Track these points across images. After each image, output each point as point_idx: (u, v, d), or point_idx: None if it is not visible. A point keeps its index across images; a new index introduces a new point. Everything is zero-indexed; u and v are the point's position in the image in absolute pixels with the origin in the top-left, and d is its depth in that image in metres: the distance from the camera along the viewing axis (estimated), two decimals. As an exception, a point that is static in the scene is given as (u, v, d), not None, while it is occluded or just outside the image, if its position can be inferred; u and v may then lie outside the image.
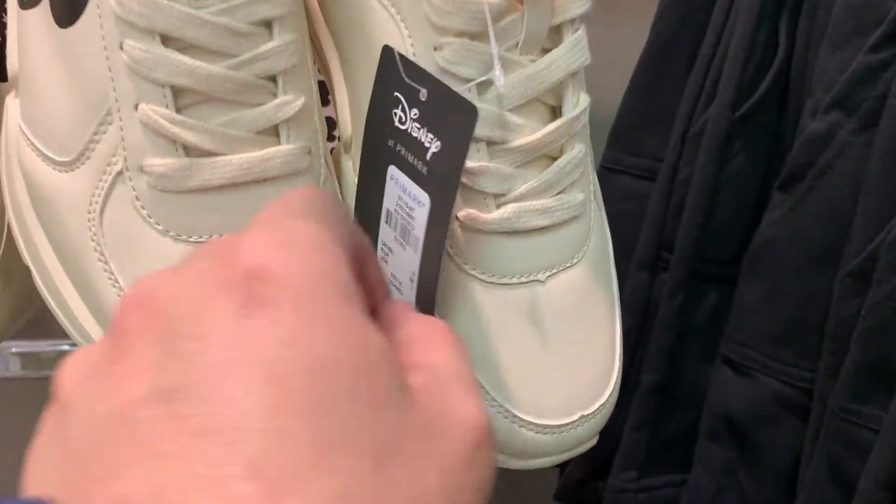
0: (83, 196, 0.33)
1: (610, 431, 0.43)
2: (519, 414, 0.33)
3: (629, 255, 0.51)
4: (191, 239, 0.32)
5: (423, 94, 0.29)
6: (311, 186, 0.22)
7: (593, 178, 0.37)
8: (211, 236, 0.32)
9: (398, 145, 0.30)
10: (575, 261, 0.35)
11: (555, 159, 0.34)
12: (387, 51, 0.31)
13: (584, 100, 0.34)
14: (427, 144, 0.29)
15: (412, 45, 0.32)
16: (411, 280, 0.31)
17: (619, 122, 0.53)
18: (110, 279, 0.33)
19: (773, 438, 0.48)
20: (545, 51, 0.33)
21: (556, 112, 0.34)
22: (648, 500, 0.52)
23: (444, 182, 0.29)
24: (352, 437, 0.16)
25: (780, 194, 0.47)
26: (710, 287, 0.51)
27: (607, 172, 0.53)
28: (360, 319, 0.18)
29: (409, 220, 0.31)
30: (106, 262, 0.33)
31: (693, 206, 0.49)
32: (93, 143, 0.32)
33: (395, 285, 0.32)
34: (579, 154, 0.34)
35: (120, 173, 0.32)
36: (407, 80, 0.30)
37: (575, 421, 0.33)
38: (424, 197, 0.30)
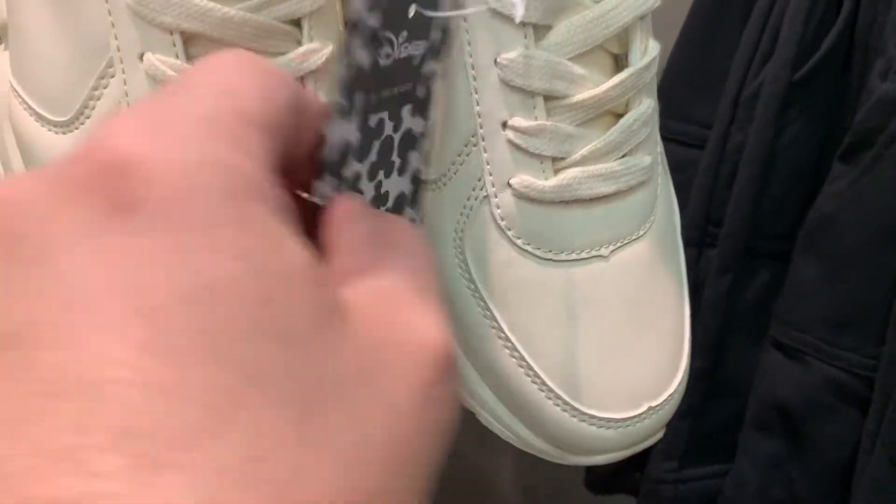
0: None
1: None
2: (579, 406, 0.29)
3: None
4: None
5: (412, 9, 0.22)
6: (236, 52, 0.16)
7: (658, 139, 0.33)
8: None
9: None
10: (641, 232, 0.31)
11: (620, 116, 0.30)
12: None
13: (653, 47, 0.30)
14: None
15: None
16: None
17: (664, 84, 0.48)
18: None
19: (826, 429, 0.45)
20: (611, -11, 0.29)
21: (619, 61, 0.30)
22: (688, 493, 0.49)
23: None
24: (261, 385, 0.12)
25: (842, 164, 0.44)
26: (762, 265, 0.47)
27: (651, 139, 0.49)
28: (270, 225, 0.14)
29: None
30: None
31: (745, 176, 0.46)
32: (92, 99, 0.29)
33: None
34: (647, 110, 0.30)
35: None
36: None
37: (642, 413, 0.30)
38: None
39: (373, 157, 0.21)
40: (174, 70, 0.27)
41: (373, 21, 0.21)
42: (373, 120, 0.22)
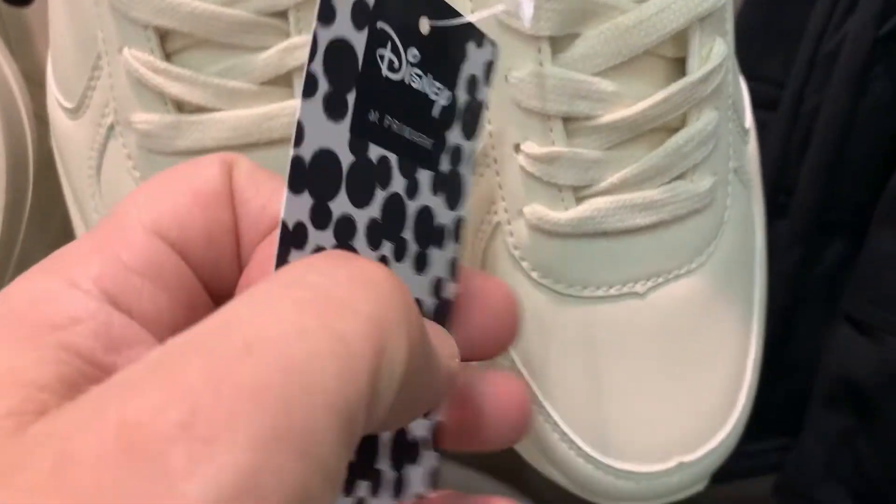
0: (85, 147, 0.29)
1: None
2: (597, 455, 0.26)
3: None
4: None
5: (425, 23, 0.18)
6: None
7: (735, 151, 0.28)
8: None
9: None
10: (693, 266, 0.27)
11: (674, 132, 0.25)
12: None
13: (718, 51, 0.25)
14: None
15: None
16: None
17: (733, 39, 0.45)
18: None
19: None
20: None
21: (678, 65, 0.25)
22: (750, 468, 0.47)
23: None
24: None
25: None
26: (835, 237, 0.43)
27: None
28: None
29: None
30: None
31: (821, 141, 0.41)
32: (89, 90, 0.28)
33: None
34: (709, 126, 0.25)
35: (112, 127, 0.28)
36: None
37: (671, 468, 0.26)
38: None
39: (371, 210, 0.17)
40: (149, 68, 0.25)
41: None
42: (372, 151, 0.17)
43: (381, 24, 0.17)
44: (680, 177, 0.26)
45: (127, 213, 0.16)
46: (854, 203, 0.43)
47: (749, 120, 0.31)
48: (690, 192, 0.26)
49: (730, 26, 0.27)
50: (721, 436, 0.27)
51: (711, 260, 0.27)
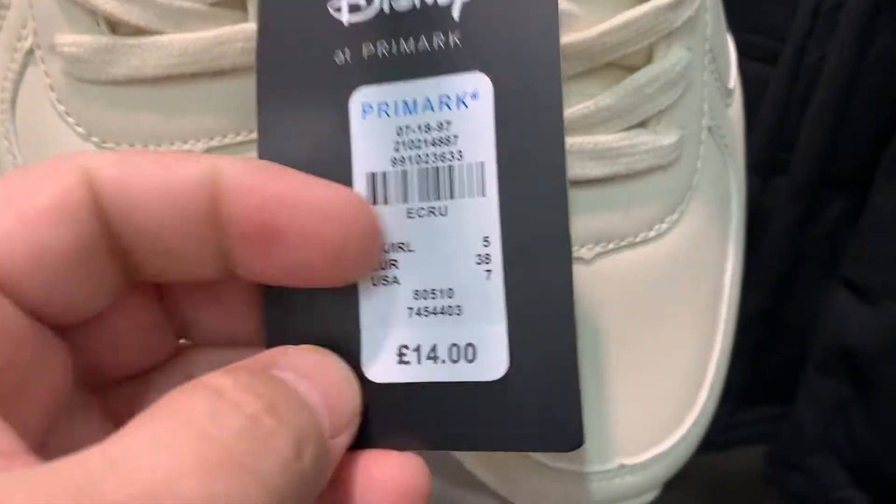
0: None
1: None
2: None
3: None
4: (119, 147, 0.24)
5: None
6: None
7: (711, 107, 0.25)
8: (145, 145, 0.23)
9: (363, 49, 0.17)
10: (651, 234, 0.23)
11: (631, 72, 0.22)
12: None
13: None
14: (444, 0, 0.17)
15: None
16: (483, 260, 0.17)
17: None
18: None
19: None
20: None
21: None
22: (742, 438, 0.46)
23: (513, 37, 0.17)
24: None
25: None
26: (836, 196, 0.41)
27: (716, 52, 0.44)
28: None
29: (446, 149, 0.17)
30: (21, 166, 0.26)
31: (823, 96, 0.39)
32: (1, 8, 0.25)
33: (438, 307, 0.17)
34: (677, 66, 0.22)
35: (31, 52, 0.24)
36: None
37: (611, 470, 0.23)
38: (473, 81, 0.17)
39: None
40: None
41: None
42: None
43: None
44: (641, 125, 0.23)
45: None
46: (857, 160, 0.41)
47: (734, 80, 0.28)
48: (652, 144, 0.22)
49: None
50: (673, 439, 0.24)
51: (674, 229, 0.24)
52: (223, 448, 0.12)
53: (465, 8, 0.17)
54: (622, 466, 0.23)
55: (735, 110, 0.28)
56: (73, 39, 0.23)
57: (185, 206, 0.15)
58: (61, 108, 0.24)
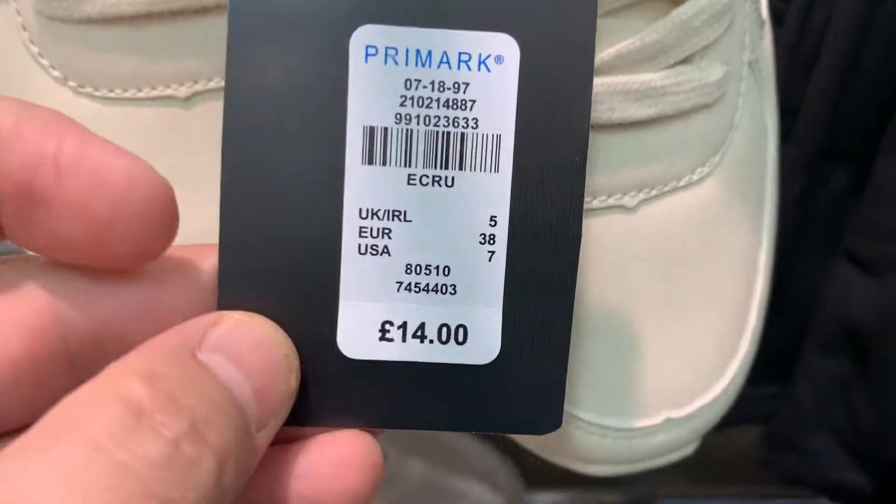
0: None
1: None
2: (568, 409, 0.22)
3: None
4: (98, 92, 0.22)
5: None
6: None
7: (752, 38, 0.24)
8: (125, 90, 0.22)
9: None
10: (695, 177, 0.22)
11: (677, 5, 0.21)
12: None
13: None
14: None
15: None
16: (487, 240, 0.16)
17: None
18: None
19: None
20: None
21: None
22: (738, 417, 0.44)
23: None
24: None
25: None
26: (841, 165, 0.40)
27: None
28: None
29: (460, 114, 0.16)
30: None
31: (829, 60, 0.38)
32: None
33: (431, 285, 0.16)
34: None
35: None
36: None
37: (657, 425, 0.22)
38: (499, 43, 0.15)
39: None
40: None
41: None
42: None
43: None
44: (685, 61, 0.21)
45: None
46: (862, 129, 0.40)
47: (765, 9, 0.27)
48: (698, 81, 0.21)
49: None
50: (717, 390, 0.23)
51: (717, 171, 0.23)
52: (138, 480, 0.11)
53: None
54: (668, 420, 0.22)
55: (767, 41, 0.27)
56: None
57: None
58: (34, 49, 0.22)
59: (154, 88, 0.22)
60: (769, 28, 0.27)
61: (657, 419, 0.22)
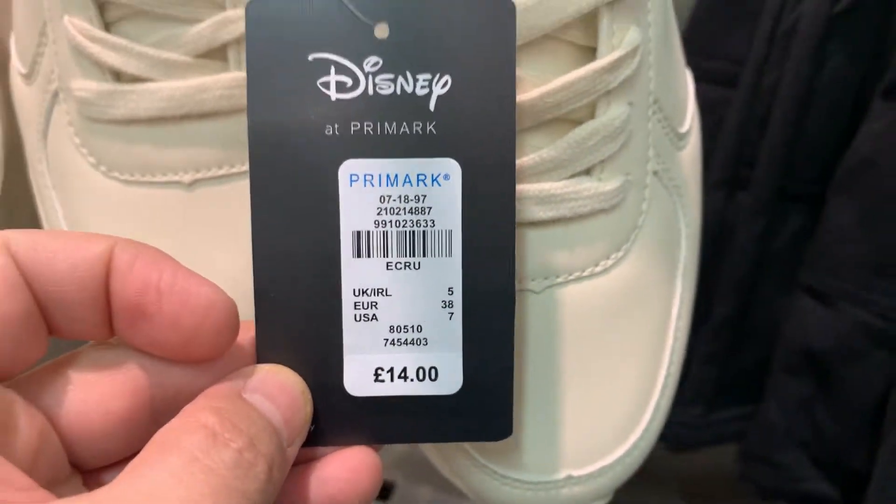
0: (35, 112, 0.29)
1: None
2: (486, 463, 0.25)
3: (704, 173, 0.45)
4: (122, 177, 0.27)
5: (383, 28, 0.20)
6: None
7: (659, 153, 0.26)
8: (142, 175, 0.27)
9: (350, 125, 0.20)
10: (598, 269, 0.25)
11: (576, 125, 0.24)
12: (254, 6, 0.20)
13: (631, 39, 0.24)
14: (422, 91, 0.20)
15: None
16: (447, 305, 0.21)
17: (693, 19, 0.43)
18: (55, 208, 0.29)
19: (857, 373, 0.42)
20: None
21: (589, 54, 0.24)
22: (716, 436, 0.48)
23: (479, 128, 0.20)
24: None
25: (885, 103, 0.39)
26: (795, 208, 0.43)
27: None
28: None
29: (421, 217, 0.21)
30: (51, 189, 0.29)
31: (781, 115, 0.41)
32: (39, 56, 0.28)
33: (409, 339, 0.21)
34: (616, 120, 0.24)
35: (56, 94, 0.28)
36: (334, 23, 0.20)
37: (559, 480, 0.25)
38: (446, 165, 0.20)
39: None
40: (88, 36, 0.25)
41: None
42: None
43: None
44: (586, 172, 0.25)
45: None
46: (813, 175, 0.43)
47: (688, 124, 0.29)
48: (595, 190, 0.24)
49: (654, 17, 0.25)
50: (619, 453, 0.26)
51: (620, 265, 0.26)
52: (221, 478, 0.16)
53: (439, 100, 0.20)
54: (569, 477, 0.25)
55: (689, 152, 0.29)
56: (84, 85, 0.26)
57: (82, 278, 0.18)
58: (77, 140, 0.27)
59: (164, 175, 0.27)
60: (695, 138, 0.30)
61: (560, 475, 0.25)
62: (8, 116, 0.35)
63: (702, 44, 0.44)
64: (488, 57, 0.20)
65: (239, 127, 0.25)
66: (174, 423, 0.17)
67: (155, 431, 0.17)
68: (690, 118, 0.29)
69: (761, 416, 0.46)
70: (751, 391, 0.47)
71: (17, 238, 0.18)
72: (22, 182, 0.35)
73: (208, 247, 0.26)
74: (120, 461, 0.19)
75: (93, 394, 0.19)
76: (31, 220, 0.36)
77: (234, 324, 0.19)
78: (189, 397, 0.18)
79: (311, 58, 0.20)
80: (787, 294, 0.45)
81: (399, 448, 0.47)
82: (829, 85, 0.41)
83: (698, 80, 0.44)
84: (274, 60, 0.20)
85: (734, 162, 0.44)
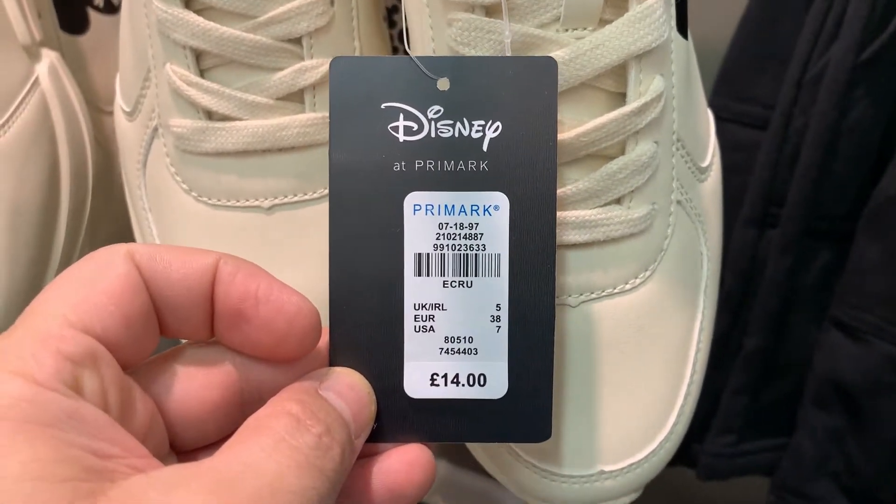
0: (136, 144, 0.34)
1: (709, 393, 0.40)
2: (526, 458, 0.28)
3: (736, 210, 0.47)
4: (210, 201, 0.31)
5: (444, 82, 0.23)
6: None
7: (682, 184, 0.29)
8: (228, 200, 0.31)
9: (415, 163, 0.24)
10: (627, 287, 0.28)
11: (608, 160, 0.27)
12: (338, 63, 0.24)
13: (656, 87, 0.26)
14: (477, 134, 0.24)
15: (430, 17, 0.26)
16: (495, 319, 0.24)
17: (726, 64, 0.46)
18: (150, 227, 0.34)
19: (886, 406, 0.44)
20: (605, 22, 0.26)
21: (619, 99, 0.27)
22: (746, 466, 0.49)
23: (525, 166, 0.24)
24: None
25: None
26: (823, 245, 0.45)
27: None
28: None
29: (474, 242, 0.24)
30: (148, 211, 0.34)
31: (808, 157, 0.43)
32: (142, 97, 0.33)
33: (461, 349, 0.24)
34: (644, 155, 0.27)
35: (156, 129, 0.32)
36: (398, 81, 0.24)
37: (593, 475, 0.28)
38: (496, 198, 0.24)
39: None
40: (185, 81, 0.30)
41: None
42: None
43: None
44: (618, 201, 0.27)
45: (50, 312, 0.19)
46: (840, 214, 0.45)
47: (710, 159, 0.32)
48: (624, 217, 0.27)
49: (677, 67, 0.28)
50: (646, 452, 0.29)
51: (647, 284, 0.28)
52: (304, 456, 0.19)
53: (491, 143, 0.24)
54: (602, 472, 0.28)
55: (710, 184, 0.32)
56: (181, 122, 0.30)
57: (191, 285, 0.21)
58: (172, 170, 0.32)
59: (247, 200, 0.31)
60: (716, 172, 0.32)
61: (593, 470, 0.28)
62: (97, 148, 0.40)
63: (733, 87, 0.46)
64: (533, 105, 0.24)
65: (313, 159, 0.30)
66: (263, 411, 0.20)
67: (240, 420, 0.20)
68: (711, 153, 0.32)
69: (793, 448, 0.47)
70: (780, 423, 0.48)
71: (139, 249, 0.21)
72: (104, 204, 0.39)
73: (283, 263, 0.30)
74: (209, 445, 0.22)
75: (193, 384, 0.22)
76: (111, 236, 0.41)
77: (317, 329, 0.22)
78: (271, 392, 0.21)
79: (383, 106, 0.24)
80: (816, 328, 0.46)
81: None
82: (855, 130, 0.43)
83: (730, 121, 0.47)
84: (352, 108, 0.23)
85: (765, 201, 0.46)
